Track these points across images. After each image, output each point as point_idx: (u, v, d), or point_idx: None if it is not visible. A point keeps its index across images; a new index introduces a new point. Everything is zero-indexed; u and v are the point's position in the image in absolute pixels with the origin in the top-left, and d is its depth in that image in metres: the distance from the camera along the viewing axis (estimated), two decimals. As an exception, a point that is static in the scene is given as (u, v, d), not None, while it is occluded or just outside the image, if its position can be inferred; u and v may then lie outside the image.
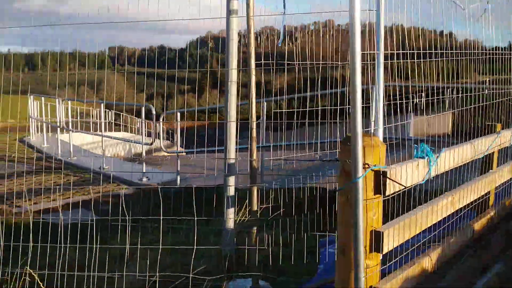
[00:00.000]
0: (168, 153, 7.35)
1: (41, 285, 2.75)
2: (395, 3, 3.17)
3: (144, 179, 7.19)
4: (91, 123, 18.00)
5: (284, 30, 3.32)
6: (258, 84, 4.37)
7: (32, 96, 11.95)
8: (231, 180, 3.41)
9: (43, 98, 11.95)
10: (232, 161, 3.39)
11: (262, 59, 3.86)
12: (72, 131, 9.79)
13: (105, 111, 19.56)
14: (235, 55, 3.29)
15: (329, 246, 3.65)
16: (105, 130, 19.44)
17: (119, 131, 20.73)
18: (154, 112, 6.97)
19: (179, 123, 6.77)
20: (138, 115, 24.48)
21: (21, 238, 3.42)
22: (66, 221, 5.30)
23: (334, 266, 3.52)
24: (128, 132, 21.08)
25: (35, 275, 2.77)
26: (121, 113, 22.39)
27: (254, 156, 3.28)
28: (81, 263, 3.37)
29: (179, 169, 6.95)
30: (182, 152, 6.94)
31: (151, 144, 7.61)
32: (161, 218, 3.52)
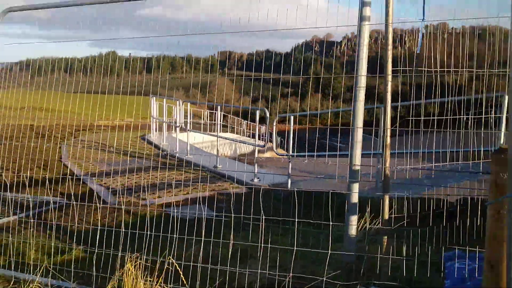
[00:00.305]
0: (279, 155, 7.48)
1: (182, 275, 2.96)
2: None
3: (256, 180, 7.41)
4: (202, 124, 19.02)
5: (421, 36, 3.22)
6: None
7: (153, 98, 12.92)
8: (355, 187, 3.38)
9: (164, 100, 12.87)
10: (357, 167, 3.37)
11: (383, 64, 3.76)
12: (190, 131, 10.39)
13: (213, 113, 20.60)
14: (365, 61, 3.27)
15: (456, 260, 3.46)
16: (215, 131, 20.42)
17: (226, 132, 21.64)
18: (268, 115, 7.16)
19: (292, 126, 6.86)
20: (244, 117, 25.15)
21: (147, 227, 3.70)
22: (188, 215, 5.68)
23: (462, 282, 3.34)
24: (234, 133, 21.94)
25: (176, 265, 2.98)
26: (228, 115, 23.33)
27: (388, 164, 3.24)
28: (213, 256, 3.56)
29: (290, 171, 7.05)
30: (293, 155, 7.01)
31: (264, 146, 7.81)
32: (281, 219, 3.61)
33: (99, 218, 5.50)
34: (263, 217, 3.77)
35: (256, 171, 7.48)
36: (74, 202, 5.41)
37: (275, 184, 7.16)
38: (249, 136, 24.69)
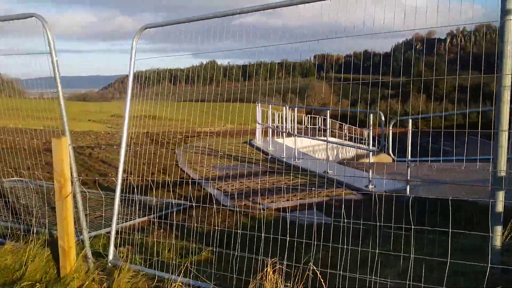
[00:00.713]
0: (395, 160, 7.21)
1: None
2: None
3: (370, 186, 7.21)
4: (303, 128, 19.01)
5: None
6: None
7: (259, 104, 13.22)
8: (500, 195, 3.12)
9: (270, 106, 13.11)
10: (503, 173, 3.11)
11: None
12: (297, 136, 10.45)
13: (308, 117, 20.51)
14: (510, 58, 3.01)
15: None
16: (315, 135, 20.33)
17: (326, 136, 21.41)
18: (383, 119, 6.93)
19: (410, 130, 6.57)
20: (343, 121, 24.53)
21: (265, 231, 3.74)
22: (306, 220, 5.69)
23: None
24: (335, 137, 21.66)
25: (317, 272, 2.98)
26: (327, 119, 23.03)
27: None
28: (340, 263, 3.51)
29: (408, 177, 6.75)
30: (415, 160, 6.71)
31: (379, 150, 7.57)
32: (413, 227, 3.44)
33: (220, 220, 5.72)
34: (393, 224, 3.63)
35: (370, 177, 7.27)
36: (196, 204, 5.71)
37: (393, 191, 6.90)
38: (350, 140, 24.21)
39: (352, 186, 7.33)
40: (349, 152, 18.37)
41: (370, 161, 7.36)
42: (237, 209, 6.03)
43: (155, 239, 4.82)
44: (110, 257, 3.92)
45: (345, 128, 23.65)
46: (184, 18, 4.13)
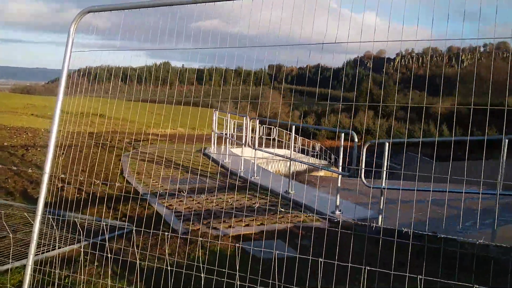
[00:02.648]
0: (367, 185, 6.55)
1: None
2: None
3: (338, 212, 6.54)
4: (257, 138, 18.32)
5: None
6: None
7: (216, 112, 12.36)
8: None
9: (229, 115, 12.29)
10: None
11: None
12: (256, 149, 9.67)
13: (262, 126, 19.89)
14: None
15: None
16: (262, 145, 19.70)
17: (279, 148, 20.86)
18: (356, 140, 6.29)
19: (387, 152, 5.95)
20: (297, 133, 24.09)
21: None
22: (265, 253, 4.91)
23: None
24: (285, 148, 21.14)
25: None
26: (276, 128, 22.45)
27: None
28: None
29: (382, 206, 6.13)
30: (393, 188, 6.09)
31: (349, 173, 6.93)
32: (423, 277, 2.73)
33: (169, 251, 4.81)
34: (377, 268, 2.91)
35: (338, 202, 6.60)
36: (140, 229, 4.77)
37: (362, 219, 6.26)
38: (302, 152, 23.81)
39: (319, 211, 6.63)
40: (301, 165, 17.88)
41: (339, 184, 6.69)
42: (190, 238, 5.15)
43: (85, 278, 3.85)
44: (22, 311, 2.94)
45: (299, 140, 23.24)
46: (135, 3, 3.31)
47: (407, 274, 2.61)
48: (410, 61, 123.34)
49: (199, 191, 7.79)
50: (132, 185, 8.09)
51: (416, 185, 7.09)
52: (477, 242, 3.18)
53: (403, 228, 2.81)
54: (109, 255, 3.98)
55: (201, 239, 4.98)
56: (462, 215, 6.05)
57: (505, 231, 6.26)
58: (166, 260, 4.17)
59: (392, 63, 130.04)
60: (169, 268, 3.50)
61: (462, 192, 5.69)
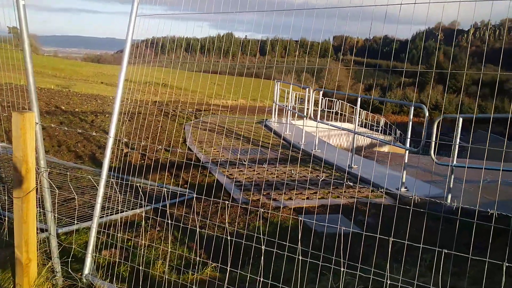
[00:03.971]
0: (439, 163, 6.16)
1: None
2: None
3: (403, 189, 6.23)
4: (319, 111, 17.97)
5: None
6: None
7: (278, 83, 12.16)
8: None
9: (291, 86, 12.06)
10: None
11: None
12: (319, 121, 9.42)
13: (325, 99, 19.40)
14: None
15: None
16: (330, 119, 19.27)
17: (343, 122, 20.35)
18: (426, 114, 5.89)
19: (459, 129, 5.53)
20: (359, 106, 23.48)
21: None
22: (328, 228, 4.76)
23: None
24: (351, 123, 20.58)
25: None
26: (339, 101, 21.83)
27: None
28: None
29: (451, 184, 5.75)
30: (462, 166, 5.70)
31: (418, 151, 6.55)
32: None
33: (230, 220, 4.79)
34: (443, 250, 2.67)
35: (404, 179, 6.28)
36: (201, 197, 4.78)
37: (430, 197, 5.91)
38: (365, 127, 23.12)
39: (382, 187, 6.35)
40: (364, 140, 17.37)
41: (405, 161, 6.34)
42: (250, 208, 5.10)
43: (146, 243, 3.91)
44: (86, 271, 3.01)
45: (362, 114, 22.55)
46: None
47: (487, 259, 2.36)
48: (486, 33, 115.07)
49: (259, 162, 7.73)
50: (194, 152, 8.18)
51: (484, 163, 6.59)
52: None
53: (487, 210, 2.54)
54: (170, 222, 4.01)
55: (261, 209, 4.93)
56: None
57: None
58: (226, 229, 4.15)
59: (466, 35, 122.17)
60: (228, 238, 3.46)
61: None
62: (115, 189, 4.26)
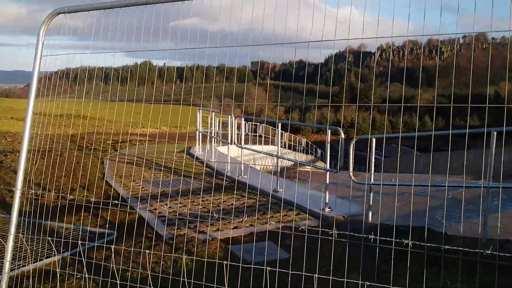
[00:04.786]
0: (356, 182, 6.40)
1: None
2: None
3: (327, 209, 6.39)
4: (243, 135, 18.08)
5: None
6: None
7: (200, 110, 12.11)
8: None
9: (213, 113, 12.05)
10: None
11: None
12: (241, 147, 9.47)
13: (248, 123, 19.68)
14: None
15: None
16: (248, 143, 19.49)
17: (264, 144, 20.68)
18: (343, 136, 6.15)
19: (373, 148, 5.82)
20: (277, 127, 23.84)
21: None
22: (257, 257, 4.73)
23: None
24: (272, 144, 20.98)
25: None
26: (263, 124, 22.26)
27: None
28: None
29: (370, 201, 6.00)
30: (379, 183, 5.97)
31: (337, 172, 6.76)
32: None
33: (154, 259, 4.59)
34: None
35: (327, 200, 6.45)
36: (124, 237, 4.56)
37: (352, 216, 6.13)
38: (289, 148, 23.69)
39: (306, 208, 6.48)
40: (287, 161, 17.74)
41: (327, 181, 6.54)
42: (175, 243, 4.94)
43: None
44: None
45: (285, 136, 23.10)
46: (106, 3, 3.14)
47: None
48: (391, 54, 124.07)
49: (183, 193, 7.57)
50: (114, 188, 7.84)
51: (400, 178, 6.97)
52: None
53: (403, 240, 2.65)
54: (90, 267, 3.75)
55: (189, 244, 4.79)
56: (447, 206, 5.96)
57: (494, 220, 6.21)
58: (149, 276, 3.97)
59: (373, 56, 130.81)
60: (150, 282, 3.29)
61: (445, 186, 5.61)
62: (29, 237, 3.93)
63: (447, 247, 2.36)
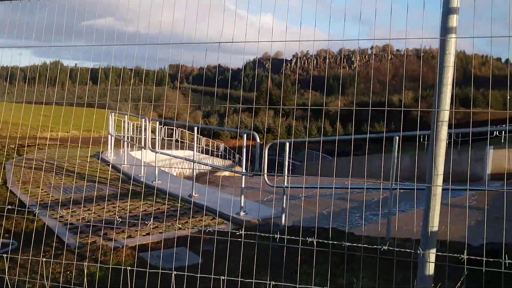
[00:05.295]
0: (270, 185, 6.56)
1: None
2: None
3: (242, 213, 6.48)
4: (160, 140, 17.76)
5: None
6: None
7: (112, 113, 11.70)
8: (432, 256, 2.57)
9: (126, 116, 11.69)
10: (435, 228, 2.57)
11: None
12: (156, 151, 9.29)
13: (164, 128, 19.40)
14: (449, 88, 2.49)
15: None
16: (164, 147, 19.23)
17: (181, 149, 20.46)
18: (258, 141, 6.29)
19: (287, 153, 6.02)
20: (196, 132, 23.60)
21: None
22: (169, 263, 4.67)
23: None
24: (186, 149, 20.81)
25: None
26: (179, 129, 22.00)
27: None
28: None
29: (285, 204, 6.18)
30: (295, 186, 6.16)
31: (252, 175, 6.89)
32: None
33: (60, 269, 4.36)
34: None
35: (242, 203, 6.54)
36: (30, 247, 4.28)
37: (267, 219, 6.27)
38: (206, 153, 23.63)
39: (223, 213, 6.52)
40: (205, 166, 17.71)
41: (243, 185, 6.63)
42: (84, 252, 4.73)
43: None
44: None
45: (202, 140, 23.01)
46: None
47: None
48: (306, 63, 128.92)
49: (95, 200, 7.27)
50: (17, 195, 7.32)
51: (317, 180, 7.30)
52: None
53: (307, 238, 2.77)
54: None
55: (93, 251, 4.61)
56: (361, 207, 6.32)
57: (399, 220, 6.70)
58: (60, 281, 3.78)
59: (289, 64, 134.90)
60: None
61: (356, 188, 5.96)
62: None
63: (348, 244, 2.52)
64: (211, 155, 23.49)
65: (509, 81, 2.48)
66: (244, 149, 6.65)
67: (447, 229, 3.00)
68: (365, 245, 2.51)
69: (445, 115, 2.52)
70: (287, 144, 6.02)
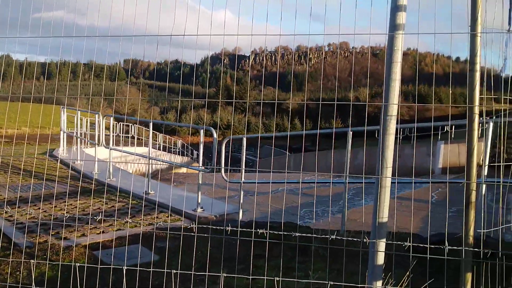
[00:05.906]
0: (228, 181, 6.55)
1: None
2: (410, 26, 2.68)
3: (199, 209, 6.44)
4: (114, 136, 17.36)
5: (506, 50, 2.62)
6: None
7: (64, 109, 11.32)
8: (382, 245, 2.66)
9: (79, 112, 11.35)
10: (385, 219, 2.65)
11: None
12: (110, 148, 9.07)
13: (115, 124, 18.98)
14: (398, 83, 2.58)
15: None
16: (120, 144, 18.85)
17: (136, 145, 20.09)
18: (215, 136, 6.26)
19: (244, 147, 6.03)
20: (154, 129, 23.18)
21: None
22: (123, 262, 4.59)
23: None
24: (143, 146, 20.45)
25: None
26: (135, 125, 21.59)
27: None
28: None
29: (241, 200, 6.19)
30: (251, 182, 6.18)
31: (209, 170, 6.86)
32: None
33: (10, 270, 4.20)
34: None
35: (199, 200, 6.50)
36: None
37: (223, 215, 6.26)
38: (164, 150, 23.31)
39: (179, 210, 6.47)
40: (162, 163, 17.47)
41: (199, 181, 6.59)
42: (34, 252, 4.57)
43: None
44: None
45: (160, 137, 22.67)
46: None
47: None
48: (264, 59, 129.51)
49: (45, 198, 7.03)
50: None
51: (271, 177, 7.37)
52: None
53: (258, 230, 2.80)
54: None
55: (43, 250, 4.46)
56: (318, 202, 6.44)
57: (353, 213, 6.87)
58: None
59: (247, 60, 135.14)
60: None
61: (314, 182, 6.06)
62: None
63: (298, 234, 2.57)
64: (168, 152, 23.19)
65: (451, 78, 2.59)
66: (201, 145, 6.62)
67: (396, 221, 3.12)
68: (315, 235, 2.56)
69: (393, 109, 2.60)
70: (244, 139, 6.03)
